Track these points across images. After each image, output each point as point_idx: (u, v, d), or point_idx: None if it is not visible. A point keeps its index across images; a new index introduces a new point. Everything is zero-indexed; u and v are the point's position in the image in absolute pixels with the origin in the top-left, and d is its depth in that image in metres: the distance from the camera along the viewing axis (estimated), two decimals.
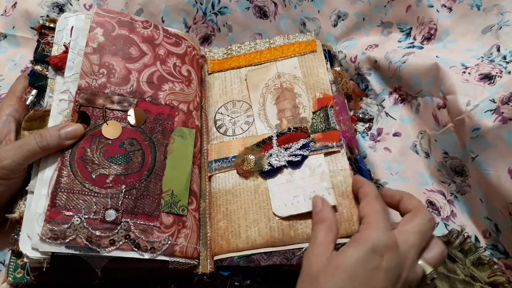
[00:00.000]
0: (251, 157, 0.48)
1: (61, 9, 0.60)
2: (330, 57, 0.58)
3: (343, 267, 0.33)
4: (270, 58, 0.56)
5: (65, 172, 0.41)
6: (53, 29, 0.49)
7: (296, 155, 0.47)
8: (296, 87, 0.53)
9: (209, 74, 0.58)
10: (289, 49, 0.56)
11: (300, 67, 0.54)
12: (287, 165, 0.47)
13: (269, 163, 0.47)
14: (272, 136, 0.49)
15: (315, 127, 0.49)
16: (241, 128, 0.52)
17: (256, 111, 0.52)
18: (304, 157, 0.47)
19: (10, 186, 0.42)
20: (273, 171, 0.47)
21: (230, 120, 0.53)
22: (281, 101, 0.52)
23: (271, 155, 0.48)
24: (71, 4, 0.61)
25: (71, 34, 0.47)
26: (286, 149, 0.48)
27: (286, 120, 0.50)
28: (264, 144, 0.49)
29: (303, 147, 0.47)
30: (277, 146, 0.48)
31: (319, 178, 0.46)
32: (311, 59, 0.55)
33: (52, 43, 0.48)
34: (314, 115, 0.50)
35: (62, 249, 0.38)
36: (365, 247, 0.33)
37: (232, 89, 0.55)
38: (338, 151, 0.47)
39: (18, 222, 0.42)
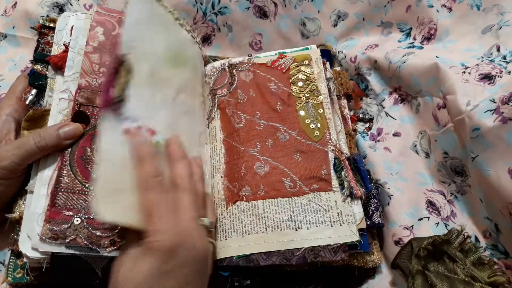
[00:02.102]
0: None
1: (61, 9, 0.60)
2: (330, 57, 0.58)
3: None
4: None
5: (65, 172, 0.41)
6: (53, 28, 0.49)
7: None
8: None
9: None
10: None
11: None
12: None
13: None
14: None
15: None
16: None
17: None
18: None
19: (9, 186, 0.42)
20: None
21: None
22: None
23: None
24: (71, 4, 0.61)
25: (71, 34, 0.47)
26: None
27: None
28: None
29: None
30: None
31: None
32: None
33: (52, 43, 0.48)
34: None
35: (62, 249, 0.38)
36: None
37: None
38: None
39: (18, 222, 0.42)
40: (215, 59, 0.60)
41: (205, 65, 0.58)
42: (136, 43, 0.42)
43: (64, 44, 0.47)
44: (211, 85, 0.55)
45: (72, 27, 0.48)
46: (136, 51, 0.42)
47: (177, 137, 0.42)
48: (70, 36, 0.47)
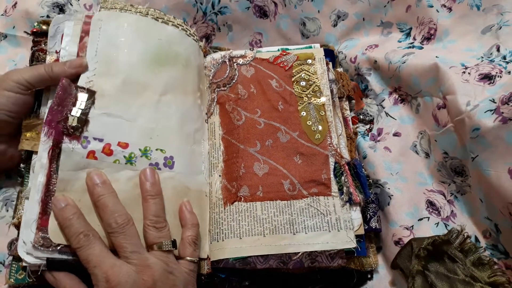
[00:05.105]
0: None
1: (61, 9, 0.60)
2: (333, 57, 0.58)
3: None
4: None
5: (54, 180, 0.41)
6: (46, 34, 0.49)
7: None
8: None
9: None
10: None
11: None
12: None
13: None
14: None
15: None
16: None
17: None
18: None
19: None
20: None
21: None
22: None
23: None
24: (71, 4, 0.60)
25: (61, 41, 0.47)
26: None
27: None
28: None
29: None
30: None
31: None
32: None
33: (46, 50, 0.48)
34: None
35: (56, 255, 0.38)
36: None
37: None
38: None
39: (18, 227, 0.42)
40: (215, 50, 0.59)
41: (205, 56, 0.57)
42: (100, 65, 0.45)
43: (56, 52, 0.47)
44: (210, 77, 0.54)
45: (63, 35, 0.48)
46: (100, 72, 0.44)
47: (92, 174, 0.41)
48: (61, 44, 0.47)
